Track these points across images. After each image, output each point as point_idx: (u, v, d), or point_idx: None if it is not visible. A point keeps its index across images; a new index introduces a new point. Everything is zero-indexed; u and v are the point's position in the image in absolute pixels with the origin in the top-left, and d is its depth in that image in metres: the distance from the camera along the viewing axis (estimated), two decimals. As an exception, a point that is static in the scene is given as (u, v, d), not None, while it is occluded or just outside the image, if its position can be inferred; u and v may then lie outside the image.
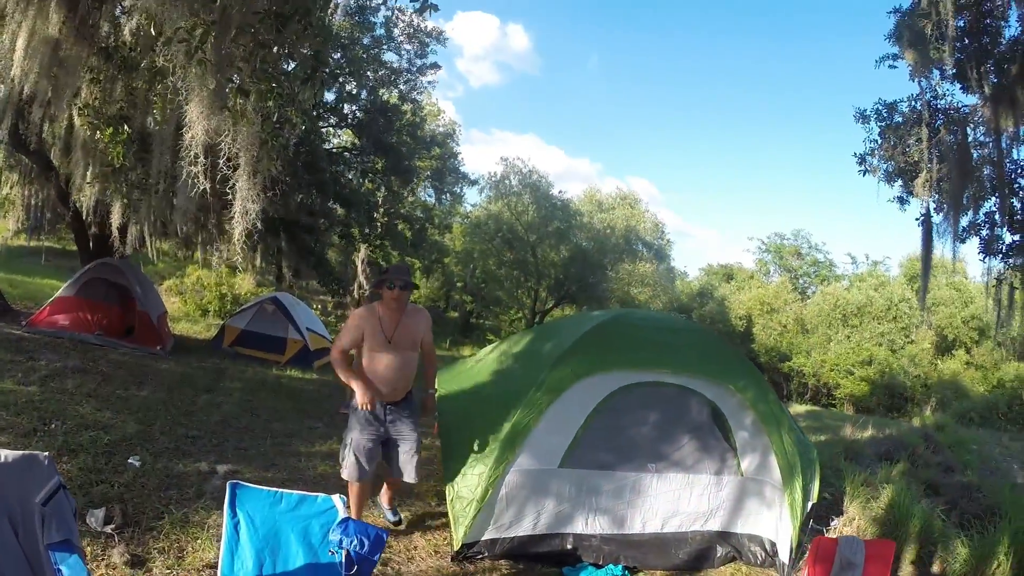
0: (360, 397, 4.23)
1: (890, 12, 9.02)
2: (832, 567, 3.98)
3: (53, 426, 5.85)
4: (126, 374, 8.61)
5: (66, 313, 10.68)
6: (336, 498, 3.21)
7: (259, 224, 6.15)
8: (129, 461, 5.33)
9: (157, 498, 4.75)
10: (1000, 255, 9.24)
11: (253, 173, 5.78)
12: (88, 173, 9.30)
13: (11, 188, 14.44)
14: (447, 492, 4.63)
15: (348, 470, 4.44)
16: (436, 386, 5.96)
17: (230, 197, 5.97)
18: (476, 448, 4.64)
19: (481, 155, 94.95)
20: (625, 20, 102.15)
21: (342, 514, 3.12)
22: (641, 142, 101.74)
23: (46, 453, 2.40)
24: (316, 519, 3.11)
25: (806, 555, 4.48)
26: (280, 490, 3.16)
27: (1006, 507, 5.82)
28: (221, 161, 5.81)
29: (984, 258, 9.39)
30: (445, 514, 4.85)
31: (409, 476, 4.57)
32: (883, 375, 30.05)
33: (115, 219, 10.00)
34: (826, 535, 4.88)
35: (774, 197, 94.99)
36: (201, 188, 5.96)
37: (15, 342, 9.11)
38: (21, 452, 2.34)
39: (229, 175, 5.89)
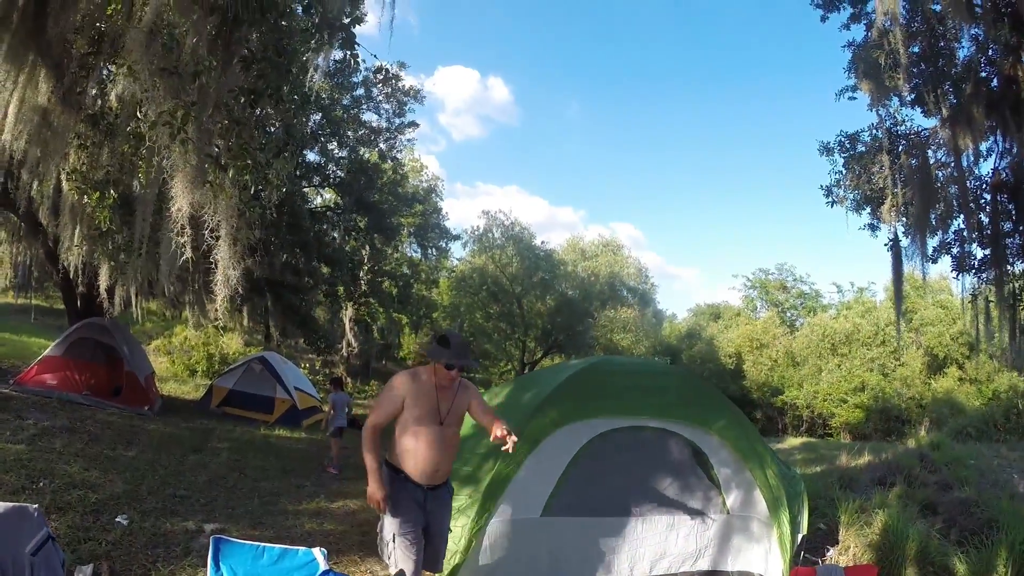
0: (373, 491, 3.60)
1: (844, 46, 9.37)
2: (812, 595, 3.97)
3: (41, 484, 5.84)
4: (114, 434, 8.61)
5: (54, 372, 10.68)
6: (317, 551, 3.25)
7: (240, 288, 6.32)
8: (117, 520, 5.33)
9: (144, 556, 4.75)
10: (973, 270, 9.43)
11: (233, 241, 5.97)
12: (75, 235, 9.42)
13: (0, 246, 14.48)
14: None
15: (400, 564, 3.71)
16: None
17: (212, 264, 6.15)
18: (458, 500, 4.60)
19: (465, 208, 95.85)
20: (602, 66, 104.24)
21: (322, 567, 3.16)
22: (624, 187, 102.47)
23: (36, 505, 2.44)
24: (297, 572, 3.16)
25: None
26: (262, 544, 3.20)
27: (1004, 519, 5.82)
28: (206, 232, 6.00)
29: (957, 275, 9.58)
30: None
31: (439, 567, 4.05)
32: (877, 400, 30.01)
33: (103, 281, 10.10)
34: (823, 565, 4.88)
35: (757, 233, 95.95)
36: (187, 256, 6.15)
37: (3, 401, 9.11)
38: (11, 503, 2.38)
39: (212, 244, 6.07)
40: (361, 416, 16.16)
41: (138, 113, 6.23)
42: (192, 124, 5.39)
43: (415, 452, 3.71)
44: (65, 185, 8.41)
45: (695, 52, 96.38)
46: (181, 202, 5.68)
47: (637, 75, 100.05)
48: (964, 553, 5.49)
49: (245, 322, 20.25)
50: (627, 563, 4.87)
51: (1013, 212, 8.85)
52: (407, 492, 3.69)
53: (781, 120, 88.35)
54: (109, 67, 6.98)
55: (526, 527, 4.66)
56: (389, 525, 3.72)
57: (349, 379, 25.01)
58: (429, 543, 3.86)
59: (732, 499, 5.12)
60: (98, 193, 7.65)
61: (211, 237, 6.12)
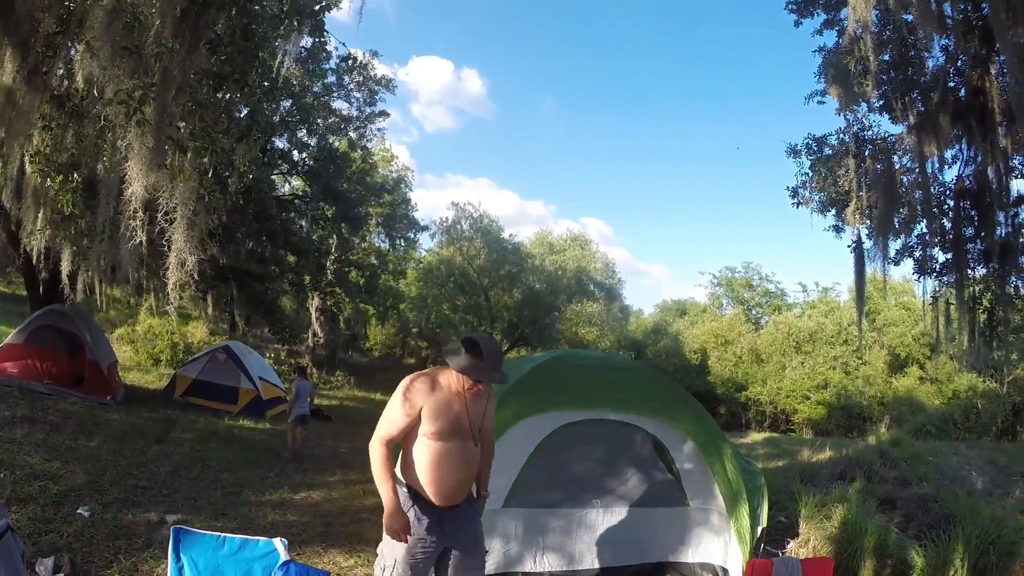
0: (395, 523, 3.06)
1: (815, 51, 9.51)
2: (769, 588, 4.04)
3: (1, 476, 5.75)
4: (76, 424, 8.46)
5: (14, 360, 10.45)
6: (277, 541, 3.23)
7: (195, 274, 6.21)
8: (78, 511, 5.26)
9: (106, 548, 4.70)
10: (934, 274, 9.66)
11: (190, 226, 5.87)
12: (39, 219, 9.21)
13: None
14: None
15: None
16: None
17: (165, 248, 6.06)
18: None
19: (435, 200, 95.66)
20: (577, 62, 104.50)
21: (283, 557, 3.15)
22: (595, 183, 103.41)
23: (-6, 495, 2.40)
24: (258, 562, 3.14)
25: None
26: (223, 534, 3.18)
27: (961, 514, 5.94)
28: (159, 215, 5.89)
29: (919, 278, 9.81)
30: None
31: None
32: (839, 397, 30.59)
33: (65, 266, 9.89)
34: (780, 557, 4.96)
35: (725, 232, 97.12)
36: (138, 240, 6.02)
37: (-38, 390, 8.89)
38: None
39: (167, 228, 5.97)
40: (326, 408, 16.08)
41: (94, 91, 6.09)
42: (151, 105, 5.28)
43: (433, 472, 3.16)
44: (28, 167, 8.22)
45: (669, 49, 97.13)
46: (136, 185, 5.58)
47: (611, 71, 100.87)
48: (922, 547, 5.60)
49: (210, 311, 19.98)
50: (589, 554, 4.90)
51: (975, 218, 9.06)
52: (416, 512, 3.18)
53: (752, 121, 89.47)
54: (76, 47, 6.84)
55: (486, 518, 4.63)
56: (389, 548, 3.17)
57: (315, 370, 24.80)
58: (456, 565, 3.31)
59: (692, 492, 5.18)
60: (61, 176, 7.50)
61: (164, 221, 6.01)
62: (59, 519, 5.06)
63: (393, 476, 3.13)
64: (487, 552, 3.57)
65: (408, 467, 3.21)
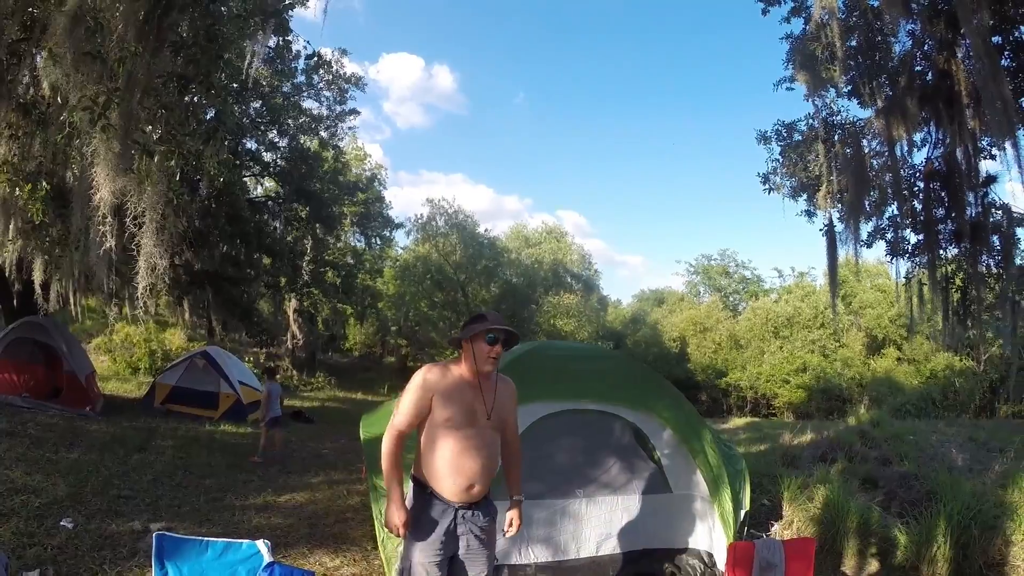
0: (394, 517, 3.04)
1: (782, 38, 9.58)
2: (752, 570, 4.06)
3: (-17, 491, 5.71)
4: (56, 437, 8.42)
5: (-9, 374, 10.29)
6: (260, 543, 3.21)
7: (167, 279, 6.18)
8: (61, 523, 5.25)
9: (91, 558, 4.68)
10: (907, 255, 9.79)
11: (160, 230, 5.82)
12: (10, 229, 9.07)
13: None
14: (377, 533, 4.45)
15: None
16: (368, 432, 5.75)
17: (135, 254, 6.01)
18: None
19: (410, 197, 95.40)
20: (548, 55, 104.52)
21: (267, 559, 3.13)
22: (570, 175, 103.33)
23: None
24: (242, 565, 3.12)
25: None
26: (206, 538, 3.17)
27: (942, 491, 5.98)
28: (128, 220, 5.84)
29: (892, 260, 9.93)
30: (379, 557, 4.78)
31: None
32: (818, 380, 30.93)
33: (37, 276, 9.76)
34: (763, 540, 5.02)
35: (700, 220, 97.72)
36: (108, 246, 5.97)
37: (-62, 405, 8.81)
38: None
39: (136, 233, 5.92)
40: (308, 410, 16.00)
41: (58, 98, 6.01)
42: (115, 110, 5.22)
43: (447, 461, 3.06)
44: (-4, 177, 8.09)
45: (640, 41, 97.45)
46: (103, 191, 5.52)
47: (583, 63, 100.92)
48: (905, 524, 5.67)
49: (187, 316, 19.81)
50: (574, 544, 4.91)
51: (945, 199, 9.18)
52: (432, 512, 3.09)
53: (724, 109, 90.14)
54: (41, 54, 6.73)
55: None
56: (407, 551, 3.13)
57: (295, 372, 24.67)
58: (462, 571, 3.17)
59: (674, 479, 5.21)
60: (30, 185, 7.39)
61: (133, 225, 5.96)
62: (43, 532, 5.04)
63: (399, 469, 3.10)
64: (496, 562, 3.50)
65: (427, 462, 3.13)
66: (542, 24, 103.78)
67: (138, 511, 5.98)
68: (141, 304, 6.86)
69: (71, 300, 12.22)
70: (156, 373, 15.96)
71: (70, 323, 16.39)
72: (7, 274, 11.02)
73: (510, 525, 3.39)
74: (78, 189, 7.51)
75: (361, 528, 5.83)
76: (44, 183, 7.53)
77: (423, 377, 3.13)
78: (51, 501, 5.79)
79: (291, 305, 24.69)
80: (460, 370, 3.18)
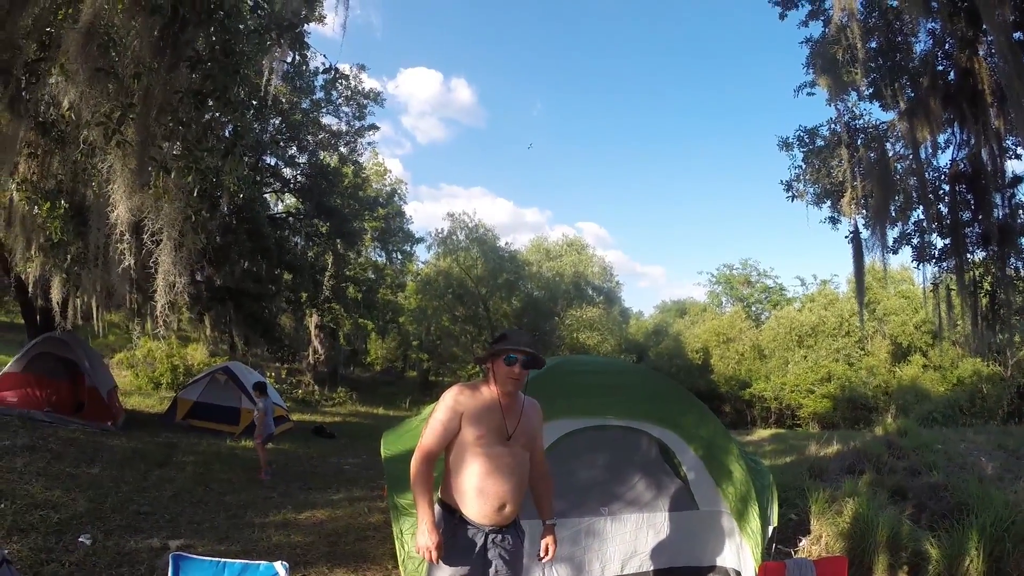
0: (426, 538, 2.95)
1: (802, 42, 9.46)
2: (782, 590, 3.95)
3: (2, 506, 5.72)
4: (76, 451, 8.44)
5: (14, 389, 10.43)
6: (279, 565, 3.15)
7: (186, 296, 6.17)
8: (80, 540, 5.23)
9: (108, 576, 4.63)
10: (933, 260, 9.59)
11: (178, 247, 5.81)
12: (33, 247, 9.18)
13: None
14: (398, 553, 4.36)
15: None
16: (389, 450, 5.67)
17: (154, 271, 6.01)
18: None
19: (430, 211, 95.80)
20: (566, 66, 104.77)
21: (285, 581, 3.07)
22: (589, 187, 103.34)
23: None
24: (259, 586, 3.06)
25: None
26: (223, 559, 3.11)
27: (974, 502, 5.83)
28: (146, 238, 5.84)
29: (918, 265, 9.74)
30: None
31: None
32: (843, 389, 30.40)
33: (55, 293, 9.83)
34: (795, 556, 4.88)
35: (722, 229, 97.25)
36: (127, 264, 5.97)
37: (-39, 421, 8.85)
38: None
39: (154, 250, 5.93)
40: (329, 425, 15.97)
41: (71, 114, 6.05)
42: (131, 126, 5.23)
43: (475, 482, 3.03)
44: (15, 195, 8.18)
45: (659, 51, 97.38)
46: (120, 208, 5.53)
47: (601, 74, 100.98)
48: (936, 537, 5.50)
49: (208, 332, 19.94)
50: (598, 563, 4.81)
51: (971, 202, 9.00)
52: (463, 535, 3.05)
53: (745, 116, 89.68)
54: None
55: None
56: (433, 574, 3.10)
57: (316, 387, 24.72)
58: None
59: (701, 495, 5.09)
60: (49, 203, 7.46)
61: (151, 242, 5.96)
62: (61, 548, 5.02)
63: (430, 491, 3.05)
64: None
65: (455, 483, 3.10)
66: (558, 36, 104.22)
67: (157, 528, 5.95)
68: (161, 322, 6.84)
69: (94, 315, 12.37)
70: (178, 388, 16.05)
71: (90, 339, 16.57)
72: (29, 290, 11.14)
73: (546, 552, 3.38)
74: (96, 207, 7.56)
75: (382, 547, 5.76)
76: (63, 201, 7.60)
77: (454, 398, 3.11)
78: (70, 517, 5.78)
79: (312, 320, 24.77)
80: (488, 390, 3.17)
